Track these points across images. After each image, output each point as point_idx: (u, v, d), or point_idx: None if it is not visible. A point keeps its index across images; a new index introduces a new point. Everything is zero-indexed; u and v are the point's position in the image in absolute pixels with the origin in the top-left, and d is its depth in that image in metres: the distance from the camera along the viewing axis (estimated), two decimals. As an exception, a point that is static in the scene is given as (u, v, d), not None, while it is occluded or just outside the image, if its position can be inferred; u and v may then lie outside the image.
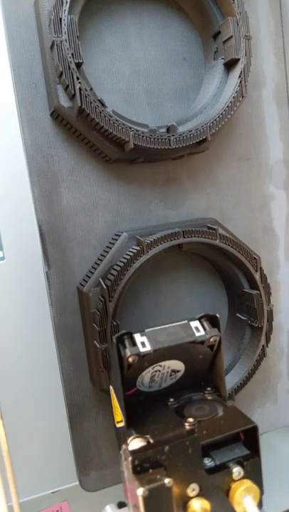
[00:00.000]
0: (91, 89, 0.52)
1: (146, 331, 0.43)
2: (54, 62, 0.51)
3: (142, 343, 0.42)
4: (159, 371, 0.44)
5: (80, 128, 0.53)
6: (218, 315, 0.46)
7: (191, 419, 0.41)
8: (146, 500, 0.35)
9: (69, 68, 0.49)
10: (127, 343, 0.42)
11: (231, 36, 0.56)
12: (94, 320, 0.54)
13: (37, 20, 0.53)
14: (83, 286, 0.56)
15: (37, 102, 0.54)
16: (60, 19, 0.49)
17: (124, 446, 0.40)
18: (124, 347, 0.42)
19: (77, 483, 0.62)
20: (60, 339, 0.57)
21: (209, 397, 0.47)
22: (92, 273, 0.56)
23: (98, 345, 0.53)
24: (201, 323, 0.46)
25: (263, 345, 0.61)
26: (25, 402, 0.62)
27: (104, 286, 0.53)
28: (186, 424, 0.41)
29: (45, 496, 0.74)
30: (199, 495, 0.38)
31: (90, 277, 0.56)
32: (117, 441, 0.49)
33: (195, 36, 0.61)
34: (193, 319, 0.46)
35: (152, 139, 0.52)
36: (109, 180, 0.58)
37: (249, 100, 0.64)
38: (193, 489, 0.37)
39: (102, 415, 0.60)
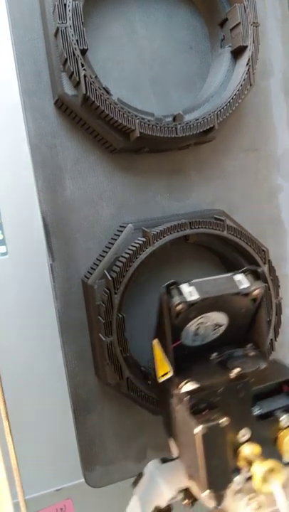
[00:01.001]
0: (96, 77, 0.50)
1: (192, 281, 0.43)
2: (58, 50, 0.50)
3: (189, 292, 0.42)
4: (203, 324, 0.44)
5: (84, 116, 0.52)
6: (259, 269, 0.46)
7: (236, 370, 0.41)
8: (204, 438, 0.35)
9: (74, 55, 0.48)
10: (174, 292, 0.42)
11: (239, 23, 0.55)
12: (99, 312, 0.53)
13: (41, 7, 0.52)
14: (88, 278, 0.55)
15: (41, 91, 0.53)
16: (65, 5, 0.48)
17: (175, 391, 0.40)
18: (172, 296, 0.42)
19: (82, 480, 0.61)
20: (64, 332, 0.56)
21: (251, 353, 0.47)
22: (97, 265, 0.55)
23: (103, 338, 0.52)
24: (244, 276, 0.45)
25: (272, 339, 0.60)
26: (29, 397, 0.61)
27: (110, 278, 0.52)
28: (232, 374, 0.41)
29: (49, 493, 0.73)
30: (249, 440, 0.38)
31: (94, 269, 0.55)
32: (158, 397, 0.50)
33: (201, 24, 0.60)
34: (238, 273, 0.46)
35: (158, 128, 0.51)
36: (114, 171, 0.57)
37: (256, 89, 0.63)
38: (243, 434, 0.38)
39: (108, 410, 0.60)
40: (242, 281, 0.45)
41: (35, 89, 0.53)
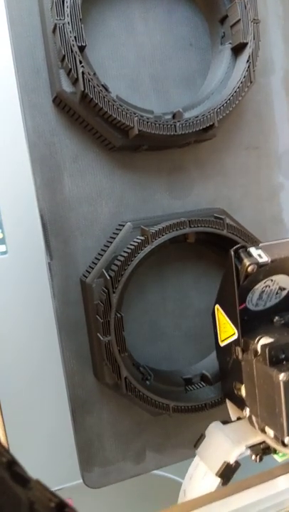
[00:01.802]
0: (94, 74, 0.50)
1: (260, 245, 0.44)
2: (56, 46, 0.49)
3: (258, 255, 0.43)
4: (269, 287, 0.45)
5: (83, 114, 0.51)
6: None
7: None
8: (287, 385, 0.37)
9: (72, 51, 0.48)
10: (243, 255, 0.43)
11: (239, 20, 0.54)
12: (97, 312, 0.53)
13: (39, 4, 0.51)
14: (86, 277, 0.54)
15: (39, 88, 0.53)
16: (63, 1, 0.48)
17: (252, 346, 0.42)
18: (241, 259, 0.43)
19: (86, 485, 0.61)
20: (62, 332, 0.56)
21: None
22: (96, 264, 0.54)
23: (101, 338, 0.52)
24: None
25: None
26: (27, 397, 0.61)
27: (108, 277, 0.51)
28: None
29: (50, 493, 0.72)
30: None
31: (93, 268, 0.54)
32: (217, 360, 0.50)
33: (201, 21, 0.59)
34: None
35: (157, 125, 0.51)
36: (113, 169, 0.56)
37: (257, 87, 0.62)
38: None
39: (106, 410, 0.59)
40: None
41: (33, 87, 0.52)
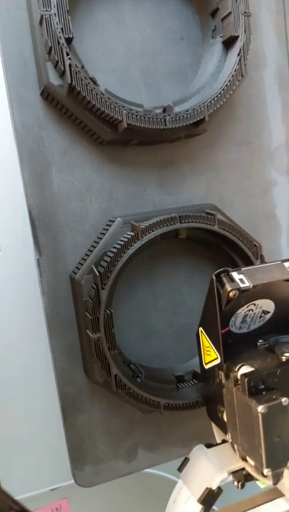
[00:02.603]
0: (82, 66, 0.49)
1: (242, 269, 0.44)
2: (43, 38, 0.49)
3: (240, 279, 0.42)
4: (252, 310, 0.45)
5: (71, 107, 0.50)
6: None
7: (287, 354, 0.41)
8: (265, 417, 0.36)
9: (58, 43, 0.47)
10: (225, 280, 0.43)
11: (230, 13, 0.54)
12: (86, 308, 0.52)
13: (27, -4, 0.51)
14: (76, 273, 0.53)
15: (27, 82, 0.52)
16: (50, -8, 0.47)
17: (232, 374, 0.41)
18: (223, 284, 0.42)
19: (77, 484, 0.60)
20: (52, 329, 0.55)
21: None
22: (85, 260, 0.53)
23: (91, 335, 0.51)
24: None
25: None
26: (18, 395, 0.60)
27: (97, 273, 0.51)
28: (284, 357, 0.41)
29: (44, 493, 0.72)
30: None
31: (82, 264, 0.53)
32: (201, 382, 0.51)
33: (192, 14, 0.58)
34: (286, 260, 0.46)
35: (147, 119, 0.50)
36: (102, 164, 0.56)
37: (250, 81, 0.61)
38: None
39: (97, 409, 0.58)
40: None
41: (21, 81, 0.52)
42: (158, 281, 0.60)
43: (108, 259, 0.51)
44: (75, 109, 0.50)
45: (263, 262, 0.57)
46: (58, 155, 0.54)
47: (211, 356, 0.46)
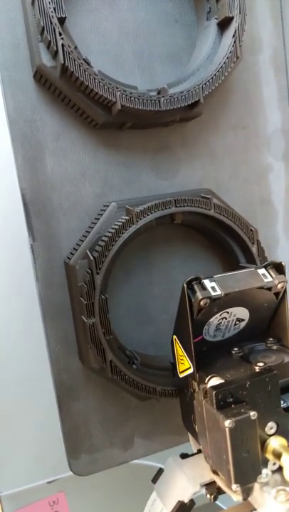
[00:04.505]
0: (75, 47, 0.48)
1: (214, 277, 0.43)
2: (36, 19, 0.48)
3: (212, 287, 0.42)
4: (226, 319, 0.44)
5: (64, 89, 0.50)
6: (283, 263, 0.46)
7: (261, 364, 0.40)
8: (233, 432, 0.35)
9: (51, 23, 0.46)
10: (196, 288, 0.42)
11: (225, -6, 0.53)
12: (81, 294, 0.51)
13: (19, -24, 0.50)
14: (70, 259, 0.53)
15: (19, 64, 0.51)
16: (42, -29, 0.46)
17: (202, 386, 0.40)
18: (194, 292, 0.42)
19: (73, 473, 0.59)
20: (46, 316, 0.55)
21: (273, 347, 0.47)
22: (80, 245, 0.53)
23: (86, 320, 0.50)
24: (267, 270, 0.46)
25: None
26: (12, 385, 0.60)
27: (92, 258, 0.50)
28: (257, 367, 0.40)
29: (41, 485, 0.71)
30: (277, 433, 0.38)
31: (77, 250, 0.53)
32: (178, 393, 0.49)
33: (187, -4, 0.58)
34: (260, 267, 0.46)
35: (141, 100, 0.49)
36: (96, 148, 0.55)
37: (245, 65, 0.61)
38: (271, 427, 0.37)
39: (93, 396, 0.58)
40: (266, 274, 0.45)
41: (13, 62, 0.51)
42: (153, 268, 0.60)
43: (103, 243, 0.50)
44: (68, 91, 0.50)
45: (258, 247, 0.57)
46: (51, 139, 0.53)
47: (185, 365, 0.45)
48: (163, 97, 0.50)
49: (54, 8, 0.47)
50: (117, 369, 0.52)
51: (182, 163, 0.59)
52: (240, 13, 0.53)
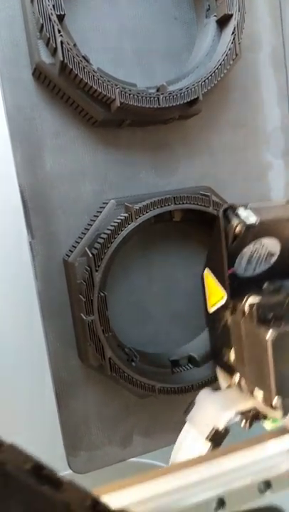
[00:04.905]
0: (75, 45, 0.48)
1: (249, 205, 0.43)
2: (35, 16, 0.48)
3: (247, 215, 0.42)
4: (258, 251, 0.44)
5: (63, 86, 0.50)
6: None
7: None
8: (274, 343, 0.36)
9: (50, 20, 0.46)
10: (231, 215, 0.42)
11: (224, -9, 0.53)
12: (80, 291, 0.51)
13: (18, -26, 0.50)
14: (69, 256, 0.53)
15: (18, 61, 0.51)
16: None
17: (240, 306, 0.41)
18: (229, 219, 0.42)
19: (72, 471, 0.59)
20: (45, 313, 0.55)
21: None
22: (79, 243, 0.53)
23: (85, 317, 0.50)
24: None
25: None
26: (10, 382, 0.60)
27: (91, 255, 0.50)
28: None
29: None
30: None
31: (76, 247, 0.53)
32: (207, 327, 0.50)
33: (186, -6, 0.58)
34: None
35: (140, 97, 0.49)
36: (96, 145, 0.55)
37: (244, 63, 0.61)
38: None
39: (92, 394, 0.58)
40: None
41: (12, 60, 0.51)
42: (153, 265, 0.60)
43: (102, 240, 0.50)
44: (67, 88, 0.50)
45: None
46: (50, 137, 0.53)
47: (217, 297, 0.45)
48: (162, 94, 0.50)
49: (53, 6, 0.47)
50: (116, 366, 0.52)
51: (181, 161, 0.59)
52: (239, 10, 0.53)
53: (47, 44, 0.48)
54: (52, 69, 0.49)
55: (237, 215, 0.42)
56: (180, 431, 0.56)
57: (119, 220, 0.51)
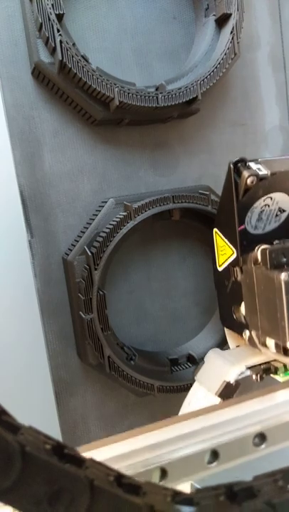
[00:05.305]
0: (74, 44, 0.49)
1: (259, 159, 0.43)
2: (34, 15, 0.48)
3: (258, 168, 0.42)
4: (268, 206, 0.44)
5: (62, 86, 0.50)
6: None
7: None
8: (288, 285, 0.36)
9: (49, 20, 0.47)
10: (242, 168, 0.42)
11: (223, -10, 0.53)
12: (79, 290, 0.51)
13: (17, -27, 0.50)
14: (68, 255, 0.53)
15: (18, 61, 0.51)
16: None
17: (251, 254, 0.41)
18: (240, 172, 0.41)
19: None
20: (45, 312, 0.55)
21: None
22: (78, 241, 0.53)
23: (84, 316, 0.51)
24: None
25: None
26: (9, 380, 0.60)
27: (90, 254, 0.50)
28: None
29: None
30: None
31: (75, 246, 0.53)
32: (216, 289, 0.49)
33: (185, -7, 0.58)
34: None
35: (139, 96, 0.49)
36: (95, 144, 0.55)
37: (243, 62, 0.61)
38: None
39: (91, 392, 0.58)
40: None
41: (11, 59, 0.51)
42: (152, 265, 0.60)
43: (100, 239, 0.50)
44: (66, 88, 0.50)
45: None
46: (49, 135, 0.53)
47: (226, 254, 0.45)
48: (161, 93, 0.50)
49: (52, 5, 0.47)
50: (115, 365, 0.52)
51: (180, 160, 0.59)
52: (238, 10, 0.53)
53: (46, 43, 0.48)
54: (51, 68, 0.49)
55: (248, 167, 0.41)
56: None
57: (118, 219, 0.51)
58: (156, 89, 0.53)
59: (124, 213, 0.51)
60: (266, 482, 0.18)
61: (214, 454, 0.32)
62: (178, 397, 0.56)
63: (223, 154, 0.61)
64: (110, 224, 0.51)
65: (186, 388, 0.55)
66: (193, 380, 0.55)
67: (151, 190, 0.58)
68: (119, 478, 0.19)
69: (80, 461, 0.19)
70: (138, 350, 0.58)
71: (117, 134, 0.56)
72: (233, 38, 0.53)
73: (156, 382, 0.54)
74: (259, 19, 0.62)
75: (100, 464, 0.19)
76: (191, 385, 0.55)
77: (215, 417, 0.34)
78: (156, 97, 0.50)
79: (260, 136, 0.63)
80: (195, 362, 0.58)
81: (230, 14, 0.53)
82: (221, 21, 0.55)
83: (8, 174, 0.52)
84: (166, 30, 0.57)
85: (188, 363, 0.59)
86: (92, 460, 0.19)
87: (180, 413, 0.46)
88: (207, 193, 0.54)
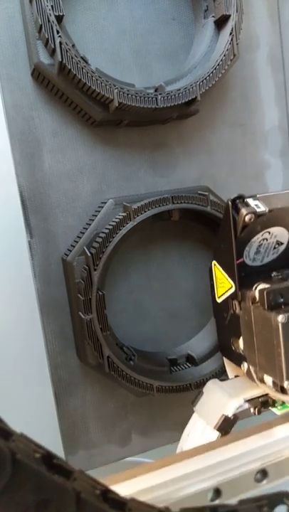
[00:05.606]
0: (73, 45, 0.49)
1: (257, 195, 0.43)
2: (33, 17, 0.48)
3: (255, 205, 0.42)
4: (266, 240, 0.44)
5: (61, 87, 0.50)
6: None
7: None
8: (285, 327, 0.37)
9: (48, 21, 0.47)
10: (241, 205, 0.42)
11: (222, -8, 0.53)
12: (78, 290, 0.51)
13: (17, -26, 0.50)
14: (68, 255, 0.53)
15: (17, 61, 0.51)
16: None
17: (249, 293, 0.42)
18: (239, 209, 0.42)
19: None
20: (44, 312, 0.55)
21: None
22: (77, 242, 0.53)
23: (83, 316, 0.51)
24: None
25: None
26: (9, 380, 0.60)
27: (89, 255, 0.50)
28: None
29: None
30: None
31: (74, 246, 0.53)
32: (215, 318, 0.50)
33: (184, -6, 0.58)
34: None
35: (138, 98, 0.50)
36: (94, 145, 0.55)
37: (242, 63, 0.61)
38: None
39: (90, 392, 0.58)
40: None
41: (11, 60, 0.51)
42: (151, 265, 0.60)
43: (100, 240, 0.51)
44: (66, 89, 0.50)
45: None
46: (48, 136, 0.53)
47: (225, 287, 0.45)
48: (160, 94, 0.51)
49: (52, 6, 0.47)
50: (115, 365, 0.52)
51: (180, 160, 0.59)
52: (237, 11, 0.53)
53: (46, 44, 0.48)
54: (50, 69, 0.49)
55: (246, 204, 0.42)
56: (179, 430, 0.57)
57: (117, 220, 0.51)
58: (156, 91, 0.53)
59: (124, 214, 0.51)
60: (251, 507, 0.18)
61: (217, 492, 0.33)
62: (177, 397, 0.56)
63: (223, 155, 0.62)
64: (110, 224, 0.51)
65: (185, 388, 0.55)
66: (193, 381, 0.55)
67: (151, 191, 0.58)
68: (106, 492, 0.19)
69: (68, 472, 0.19)
70: (137, 351, 0.58)
71: (117, 134, 0.56)
72: (232, 39, 0.53)
73: (156, 382, 0.54)
74: (258, 20, 0.62)
75: (87, 476, 0.19)
76: (189, 385, 0.55)
77: (217, 455, 0.34)
78: (156, 98, 0.50)
79: (259, 136, 0.63)
80: (194, 362, 0.59)
81: (230, 15, 0.53)
82: (220, 23, 0.55)
83: (8, 174, 0.52)
84: (165, 31, 0.57)
85: (188, 363, 0.59)
86: (80, 472, 0.19)
87: (179, 443, 0.46)
88: (206, 193, 0.54)
